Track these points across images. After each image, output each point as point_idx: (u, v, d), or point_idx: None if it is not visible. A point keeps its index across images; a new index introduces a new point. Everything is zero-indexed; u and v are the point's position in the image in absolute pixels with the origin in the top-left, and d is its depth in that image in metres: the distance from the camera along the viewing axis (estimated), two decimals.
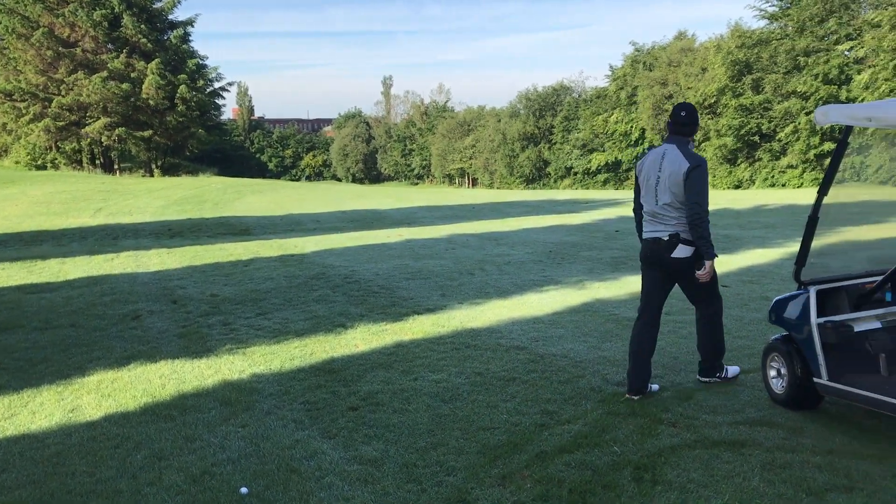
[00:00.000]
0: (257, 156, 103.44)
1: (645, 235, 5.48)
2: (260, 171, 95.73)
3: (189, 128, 44.58)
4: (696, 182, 5.08)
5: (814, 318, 4.68)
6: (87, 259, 13.67)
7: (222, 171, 62.55)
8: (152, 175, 43.55)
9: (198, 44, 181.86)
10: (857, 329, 4.72)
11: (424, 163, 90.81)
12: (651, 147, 5.69)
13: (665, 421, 4.89)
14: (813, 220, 4.74)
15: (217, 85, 47.11)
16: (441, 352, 6.88)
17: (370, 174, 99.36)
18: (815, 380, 4.70)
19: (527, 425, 4.93)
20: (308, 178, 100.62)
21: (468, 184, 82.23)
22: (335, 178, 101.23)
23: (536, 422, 4.98)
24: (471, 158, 79.36)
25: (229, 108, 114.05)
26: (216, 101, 47.61)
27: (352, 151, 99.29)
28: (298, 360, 6.80)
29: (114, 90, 39.62)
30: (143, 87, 41.09)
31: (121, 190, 29.01)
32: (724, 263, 11.33)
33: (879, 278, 4.79)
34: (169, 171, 45.55)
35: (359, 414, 5.31)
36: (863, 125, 4.30)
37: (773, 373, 5.14)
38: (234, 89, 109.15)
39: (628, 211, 22.27)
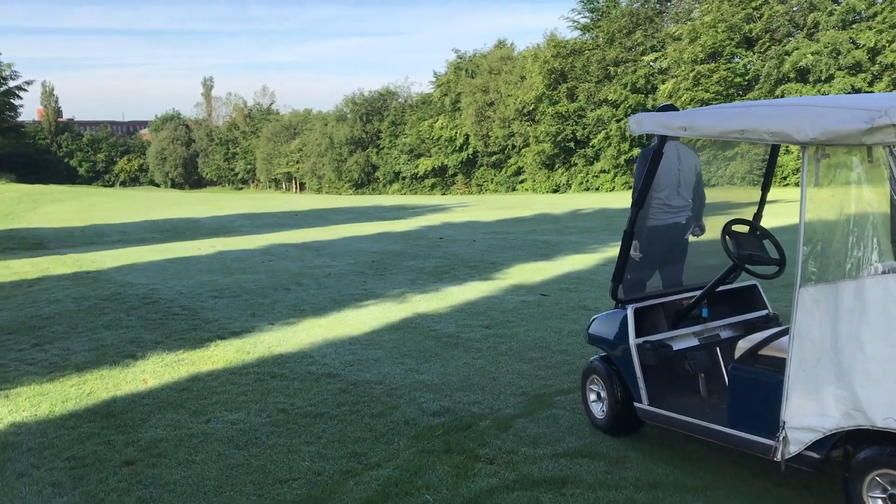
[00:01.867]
0: (66, 160, 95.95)
1: (665, 222, 5.96)
2: (69, 177, 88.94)
3: None
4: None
5: (632, 338, 4.43)
6: None
7: (22, 177, 57.41)
8: None
9: None
10: (675, 348, 4.53)
11: (249, 167, 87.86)
12: (649, 146, 5.39)
13: (482, 457, 4.48)
14: (629, 235, 4.50)
15: (12, 84, 43.03)
16: (242, 385, 6.17)
17: (191, 179, 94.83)
18: (636, 404, 4.45)
19: (330, 473, 4.35)
20: (122, 184, 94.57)
21: (295, 188, 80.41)
22: (153, 183, 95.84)
23: (342, 468, 4.42)
24: (298, 163, 77.58)
25: (33, 110, 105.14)
26: (12, 101, 43.43)
27: (170, 155, 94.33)
28: (73, 401, 5.86)
29: None
30: None
31: None
32: (542, 270, 11.30)
33: (697, 293, 4.62)
34: None
35: (135, 470, 4.52)
36: (678, 134, 4.09)
37: (592, 396, 4.87)
38: (37, 89, 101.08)
39: (454, 217, 22.33)
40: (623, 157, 41.11)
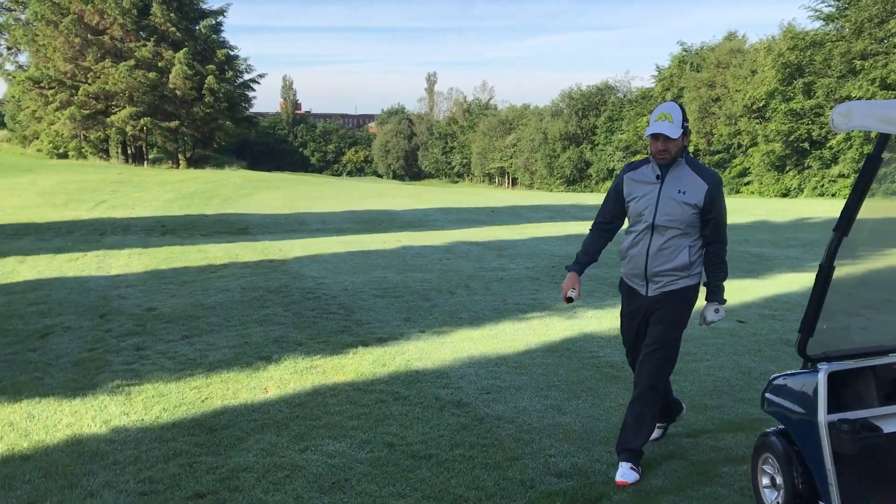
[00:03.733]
0: (300, 150, 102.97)
1: None
2: (302, 166, 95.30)
3: (216, 119, 43.75)
4: None
5: (822, 414, 3.18)
6: (49, 258, 12.57)
7: (256, 164, 61.88)
8: (178, 166, 42.88)
9: (240, 37, 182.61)
10: (887, 431, 3.21)
11: (465, 161, 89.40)
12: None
13: None
14: (827, 270, 3.24)
15: (247, 77, 46.26)
16: (361, 405, 5.49)
17: (411, 171, 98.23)
18: None
19: None
20: (349, 174, 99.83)
21: (508, 183, 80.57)
22: (376, 174, 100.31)
23: None
24: (511, 158, 77.66)
25: (272, 102, 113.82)
26: (246, 93, 46.75)
27: (393, 148, 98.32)
28: (185, 407, 5.47)
29: (140, 79, 38.95)
30: (171, 76, 40.35)
31: (134, 181, 28.16)
32: (745, 290, 9.73)
33: None
34: (197, 163, 44.82)
35: None
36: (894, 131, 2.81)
37: (765, 480, 3.64)
38: (278, 83, 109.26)
39: None
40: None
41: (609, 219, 4.41)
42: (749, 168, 45.90)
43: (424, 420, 5.16)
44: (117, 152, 45.48)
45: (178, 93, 41.20)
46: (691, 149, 51.50)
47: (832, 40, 39.48)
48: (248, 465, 4.46)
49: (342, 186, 34.30)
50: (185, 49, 40.97)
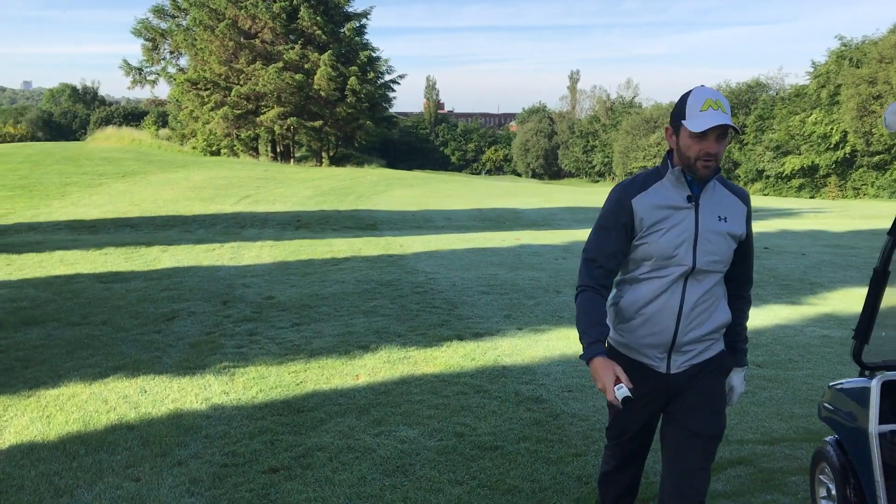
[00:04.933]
0: (441, 149, 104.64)
1: None
2: (443, 164, 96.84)
3: (358, 119, 45.28)
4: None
5: (874, 424, 3.04)
6: (188, 248, 13.53)
7: (403, 163, 63.53)
8: (321, 164, 44.69)
9: (385, 38, 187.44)
10: None
11: (606, 160, 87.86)
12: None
13: None
14: (881, 275, 3.10)
15: (388, 78, 47.55)
16: (442, 396, 5.65)
17: (550, 170, 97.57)
18: None
19: None
20: (488, 172, 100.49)
21: None
22: (515, 172, 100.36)
23: None
24: (655, 157, 75.64)
25: (416, 102, 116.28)
26: (387, 93, 48.08)
27: (533, 147, 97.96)
28: (280, 389, 5.83)
29: (288, 80, 40.90)
30: (315, 78, 42.12)
31: (278, 178, 29.63)
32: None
33: None
34: (339, 161, 46.57)
35: (273, 479, 4.23)
36: None
37: (822, 491, 3.50)
38: (422, 84, 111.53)
39: (798, 223, 19.66)
40: None
41: (613, 266, 2.87)
42: None
43: (499, 413, 5.26)
44: (266, 150, 47.98)
45: (322, 93, 42.97)
46: (848, 150, 48.46)
47: None
48: (324, 445, 4.72)
49: (473, 185, 34.70)
50: (329, 51, 42.68)
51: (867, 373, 3.25)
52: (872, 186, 47.75)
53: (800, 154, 53.10)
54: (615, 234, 2.85)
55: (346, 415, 5.26)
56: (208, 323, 8.05)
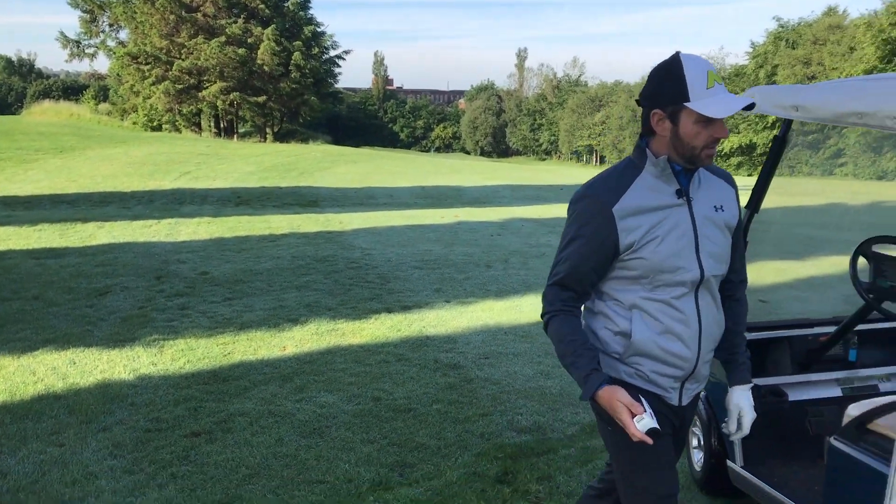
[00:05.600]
0: (389, 126, 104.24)
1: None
2: (392, 141, 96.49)
3: (302, 94, 44.99)
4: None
5: None
6: (126, 224, 13.49)
7: (351, 139, 63.13)
8: (265, 140, 44.33)
9: (334, 12, 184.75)
10: (793, 398, 3.39)
11: (553, 138, 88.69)
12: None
13: (531, 495, 3.74)
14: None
15: (333, 53, 47.28)
16: (365, 364, 5.91)
17: (499, 148, 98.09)
18: (729, 463, 3.41)
19: (360, 482, 3.90)
20: (437, 150, 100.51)
21: (596, 161, 79.65)
22: (464, 150, 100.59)
23: (377, 478, 3.95)
24: (599, 135, 76.66)
25: (366, 77, 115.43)
26: (332, 69, 47.80)
27: (481, 124, 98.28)
28: (207, 360, 6.01)
29: (230, 55, 40.42)
30: (259, 53, 41.70)
31: (220, 154, 29.37)
32: (783, 272, 9.67)
33: (834, 328, 3.41)
34: (284, 137, 46.24)
35: (194, 442, 4.44)
36: (790, 116, 2.99)
37: (694, 442, 3.85)
38: (371, 59, 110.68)
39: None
40: None
41: (588, 289, 2.36)
42: (844, 149, 44.10)
43: (417, 379, 5.54)
44: (209, 126, 47.35)
45: (265, 68, 42.59)
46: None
47: None
48: (246, 410, 4.94)
49: (419, 162, 34.85)
50: (273, 26, 42.26)
51: None
52: (807, 164, 49.20)
53: (738, 133, 54.42)
54: (594, 254, 2.24)
55: (270, 383, 5.49)
56: (141, 298, 8.15)
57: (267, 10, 42.91)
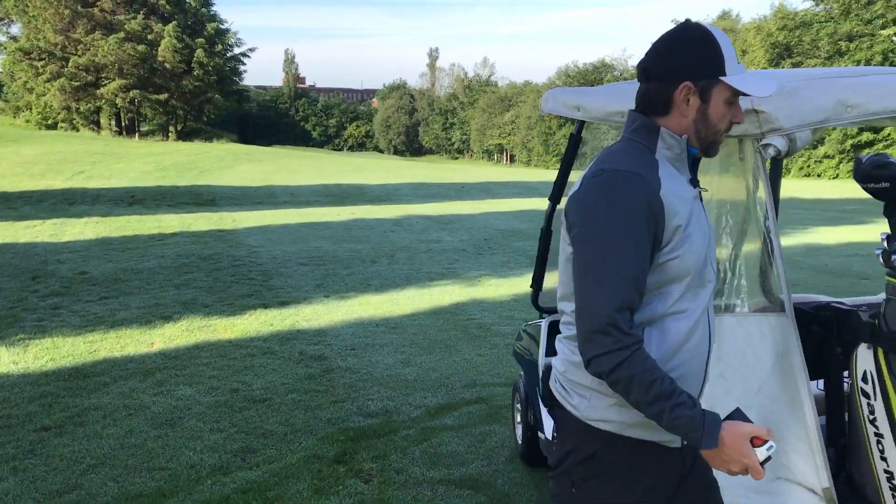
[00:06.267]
0: (301, 124, 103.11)
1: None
2: (304, 140, 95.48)
3: (206, 92, 44.20)
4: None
5: (541, 357, 3.67)
6: (8, 225, 13.12)
7: (262, 138, 62.18)
8: (167, 139, 43.34)
9: (243, 8, 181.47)
10: None
11: (464, 137, 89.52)
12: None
13: (364, 473, 3.95)
14: (546, 233, 3.73)
15: (237, 51, 46.60)
16: (230, 359, 6.01)
17: (412, 147, 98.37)
18: (540, 435, 3.71)
19: (202, 468, 4.03)
20: (350, 149, 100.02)
21: (506, 160, 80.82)
22: (377, 149, 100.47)
23: (218, 464, 4.09)
24: (509, 135, 77.82)
25: (277, 75, 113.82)
26: (237, 66, 47.11)
27: (394, 123, 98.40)
28: (70, 358, 6.01)
29: (129, 52, 39.36)
30: (160, 49, 40.75)
31: (118, 153, 28.68)
32: None
33: None
34: (188, 135, 45.30)
35: (42, 436, 4.48)
36: (574, 116, 3.29)
37: (518, 417, 4.15)
38: (281, 57, 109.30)
39: None
40: (850, 140, 36.91)
41: (641, 293, 1.75)
42: None
43: (278, 370, 5.69)
44: (110, 124, 45.95)
45: (167, 66, 41.65)
46: None
47: (820, 21, 39.57)
48: (102, 405, 4.99)
49: (325, 161, 34.75)
50: (174, 22, 41.38)
51: (543, 315, 3.88)
52: None
53: None
54: (647, 255, 1.72)
55: (131, 378, 5.54)
56: (12, 298, 8.02)
57: (168, 7, 41.96)
